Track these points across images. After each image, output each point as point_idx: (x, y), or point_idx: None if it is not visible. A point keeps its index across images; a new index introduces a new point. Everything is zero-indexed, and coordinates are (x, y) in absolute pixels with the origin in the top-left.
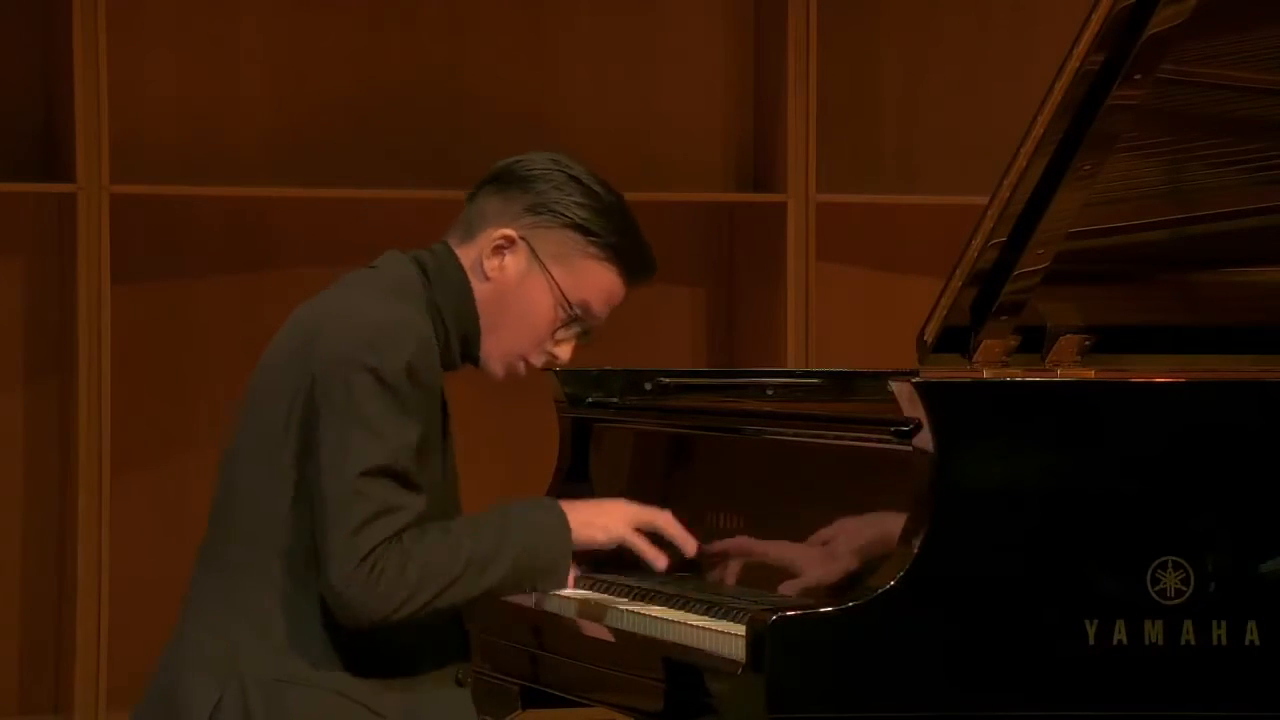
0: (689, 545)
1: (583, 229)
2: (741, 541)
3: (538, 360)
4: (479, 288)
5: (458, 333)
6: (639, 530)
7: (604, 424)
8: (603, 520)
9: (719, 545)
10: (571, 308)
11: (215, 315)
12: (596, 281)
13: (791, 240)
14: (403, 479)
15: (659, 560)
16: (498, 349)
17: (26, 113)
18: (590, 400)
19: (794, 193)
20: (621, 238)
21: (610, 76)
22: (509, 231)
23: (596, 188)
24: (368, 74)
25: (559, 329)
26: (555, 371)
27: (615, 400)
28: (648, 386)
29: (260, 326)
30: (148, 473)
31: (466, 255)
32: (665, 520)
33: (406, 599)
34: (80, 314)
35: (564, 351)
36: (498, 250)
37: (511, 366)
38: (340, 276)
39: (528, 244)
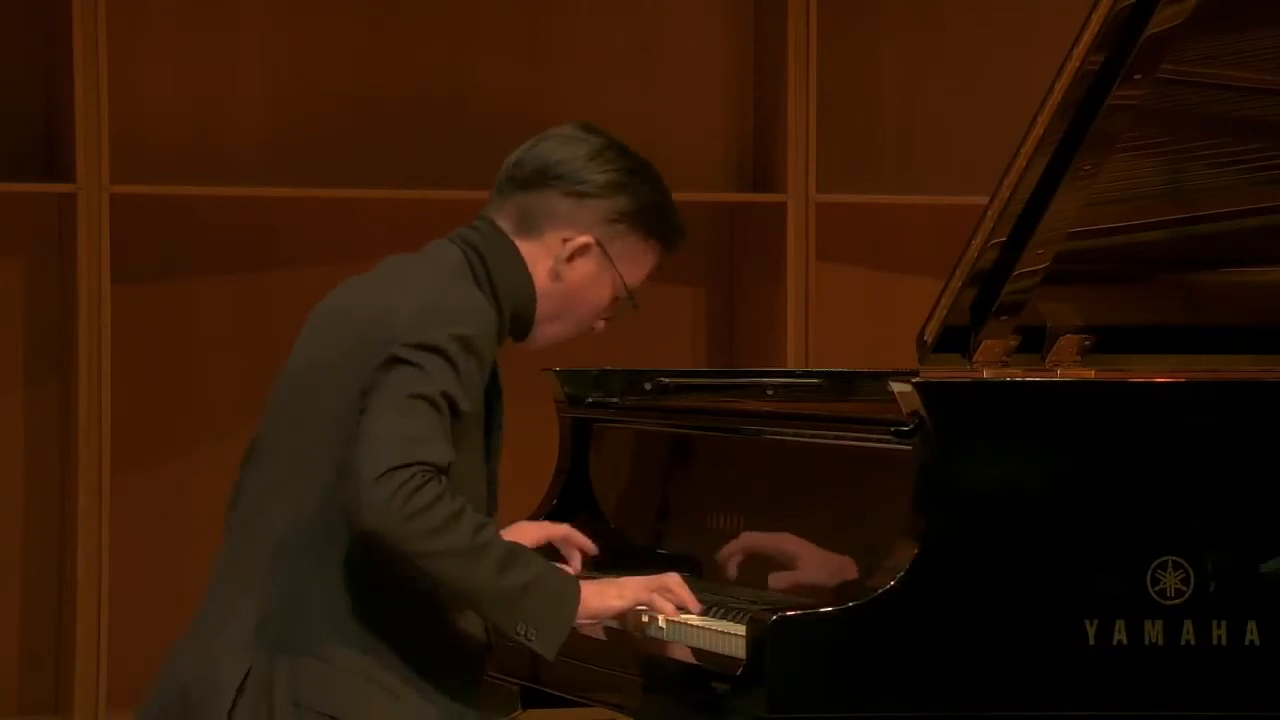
0: (694, 605)
1: (650, 230)
2: (742, 541)
3: (576, 335)
4: (548, 285)
5: (510, 310)
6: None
7: (604, 424)
8: (616, 589)
9: (719, 545)
10: (629, 295)
11: (215, 315)
12: (648, 266)
13: (791, 240)
14: (444, 417)
15: (671, 610)
16: (553, 332)
17: (26, 113)
18: (590, 400)
19: (794, 193)
20: (674, 228)
21: (610, 76)
22: (588, 240)
23: (650, 179)
24: (368, 74)
25: (609, 311)
26: (555, 371)
27: (615, 400)
28: (648, 386)
29: (260, 326)
30: (148, 473)
31: (530, 249)
32: (674, 582)
33: (427, 532)
34: (80, 314)
35: (603, 325)
36: (574, 255)
37: (553, 344)
38: (340, 276)
39: (601, 248)
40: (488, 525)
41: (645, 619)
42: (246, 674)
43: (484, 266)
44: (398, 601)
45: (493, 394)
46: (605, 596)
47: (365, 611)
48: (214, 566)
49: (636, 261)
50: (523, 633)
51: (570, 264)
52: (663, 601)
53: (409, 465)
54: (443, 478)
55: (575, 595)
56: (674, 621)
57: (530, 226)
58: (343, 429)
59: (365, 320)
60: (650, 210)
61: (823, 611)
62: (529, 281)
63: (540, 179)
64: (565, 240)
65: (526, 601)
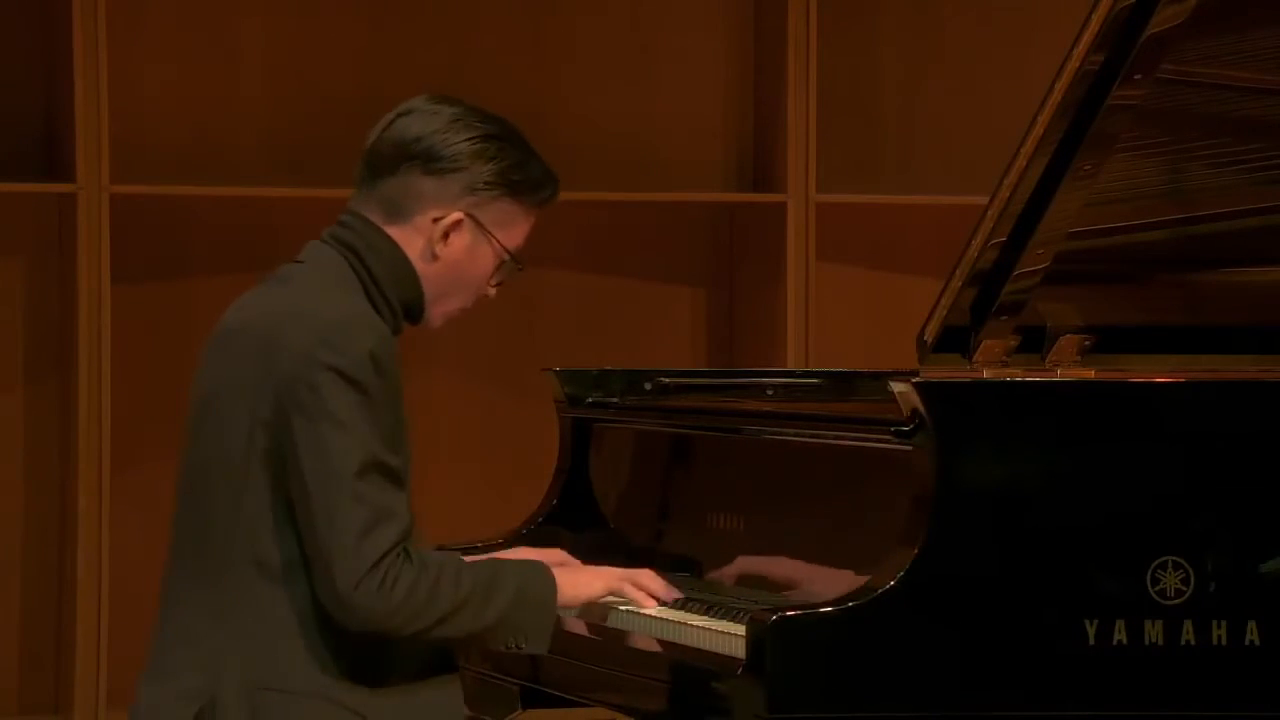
0: (670, 597)
1: (517, 193)
2: (742, 541)
3: (471, 304)
4: (427, 267)
5: (400, 303)
6: (622, 592)
7: (604, 424)
8: (588, 578)
9: (719, 545)
10: (512, 259)
11: (215, 315)
12: (525, 227)
13: (791, 240)
14: (387, 471)
15: (647, 601)
16: (445, 309)
17: (26, 113)
18: (590, 400)
19: (794, 193)
20: (543, 186)
21: (610, 76)
22: (458, 215)
23: (508, 137)
24: (368, 74)
25: (496, 278)
26: (555, 371)
27: (615, 400)
28: (648, 386)
29: None
30: (148, 473)
31: (402, 235)
32: (648, 577)
33: (415, 614)
34: (80, 314)
35: (495, 290)
36: (446, 233)
37: (451, 318)
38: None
39: (473, 219)
40: (461, 572)
41: (606, 608)
42: (196, 714)
43: (365, 267)
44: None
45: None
46: (576, 587)
47: (317, 634)
48: (159, 605)
49: (512, 224)
50: (512, 645)
51: (445, 242)
52: (633, 590)
53: (378, 563)
54: (408, 547)
55: (554, 593)
56: (673, 621)
57: (398, 212)
58: (256, 461)
59: (265, 348)
60: (514, 170)
61: (823, 611)
62: (410, 271)
63: (399, 160)
64: (436, 220)
65: (514, 619)
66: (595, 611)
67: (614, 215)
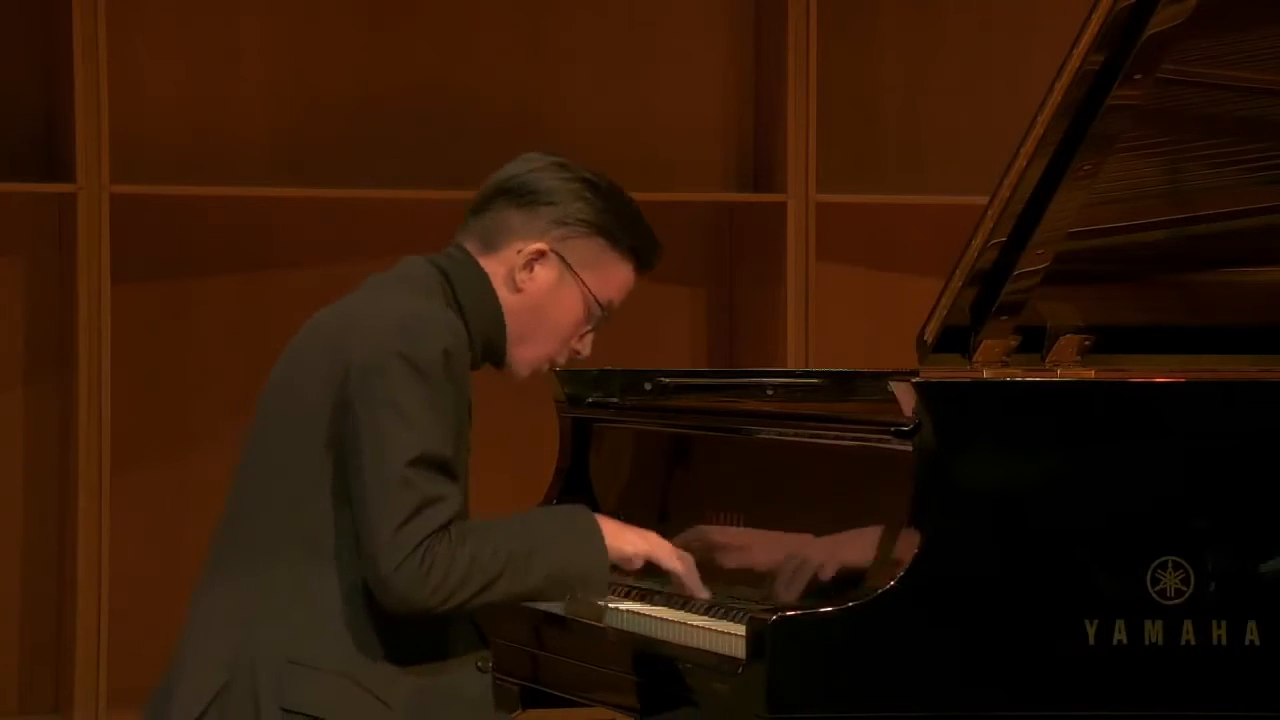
0: (700, 595)
1: (608, 234)
2: (741, 541)
3: (563, 359)
4: (510, 299)
5: (480, 335)
6: (661, 560)
7: (604, 424)
8: (633, 537)
9: (719, 545)
10: (601, 308)
11: (215, 315)
12: (619, 279)
13: (791, 240)
14: (442, 466)
15: (688, 582)
16: (529, 355)
17: (26, 113)
18: (590, 400)
19: (794, 193)
20: (638, 236)
21: (610, 76)
22: (541, 245)
23: (608, 189)
24: (368, 74)
25: (584, 328)
26: (555, 371)
27: (615, 400)
28: (648, 386)
29: (260, 326)
30: (148, 473)
31: (491, 266)
32: (689, 565)
33: (453, 592)
34: (80, 314)
35: (586, 346)
36: (529, 263)
37: (538, 369)
38: (340, 276)
39: (559, 255)
40: (500, 546)
41: (606, 608)
42: (220, 689)
43: (450, 286)
44: (379, 606)
45: (468, 412)
46: (621, 540)
47: (354, 615)
48: (201, 582)
49: (600, 267)
50: (570, 597)
51: (528, 273)
52: (674, 564)
53: (418, 547)
54: (451, 530)
55: (600, 544)
56: (673, 621)
57: (490, 244)
58: (319, 443)
59: (342, 334)
60: (605, 213)
61: (823, 611)
62: (494, 303)
63: (495, 196)
64: (519, 251)
65: (557, 578)
66: (594, 610)
67: None
